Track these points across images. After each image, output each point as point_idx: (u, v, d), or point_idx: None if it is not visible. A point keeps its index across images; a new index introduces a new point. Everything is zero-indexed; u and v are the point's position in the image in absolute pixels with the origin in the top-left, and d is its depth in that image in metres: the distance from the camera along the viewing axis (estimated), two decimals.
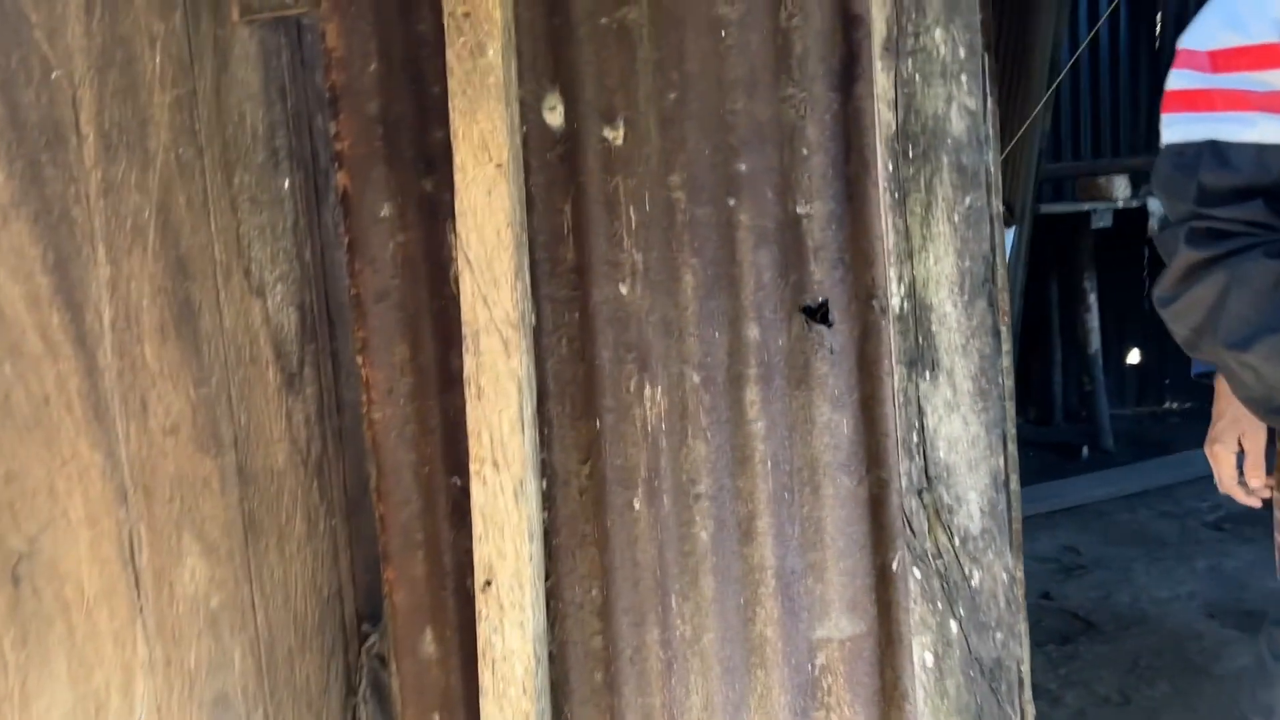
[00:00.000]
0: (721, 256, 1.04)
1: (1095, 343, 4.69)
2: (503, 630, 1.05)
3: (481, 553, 1.05)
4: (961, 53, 0.97)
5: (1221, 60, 0.78)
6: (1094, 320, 4.68)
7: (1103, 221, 4.61)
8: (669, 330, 1.06)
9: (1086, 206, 4.59)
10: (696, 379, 1.05)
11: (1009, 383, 1.03)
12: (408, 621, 1.14)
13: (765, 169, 1.02)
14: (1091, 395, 4.85)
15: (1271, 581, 3.12)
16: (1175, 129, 0.82)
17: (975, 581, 1.03)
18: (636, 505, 1.08)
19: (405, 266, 1.10)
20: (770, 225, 1.03)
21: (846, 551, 1.05)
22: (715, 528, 1.07)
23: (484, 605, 1.05)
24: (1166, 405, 5.51)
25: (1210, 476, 4.27)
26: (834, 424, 1.04)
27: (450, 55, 1.02)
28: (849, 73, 1.00)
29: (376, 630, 1.22)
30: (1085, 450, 4.62)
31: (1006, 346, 1.01)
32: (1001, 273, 1.03)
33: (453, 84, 1.02)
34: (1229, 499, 4.19)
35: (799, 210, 1.02)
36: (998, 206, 1.01)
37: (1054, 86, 3.59)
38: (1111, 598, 2.98)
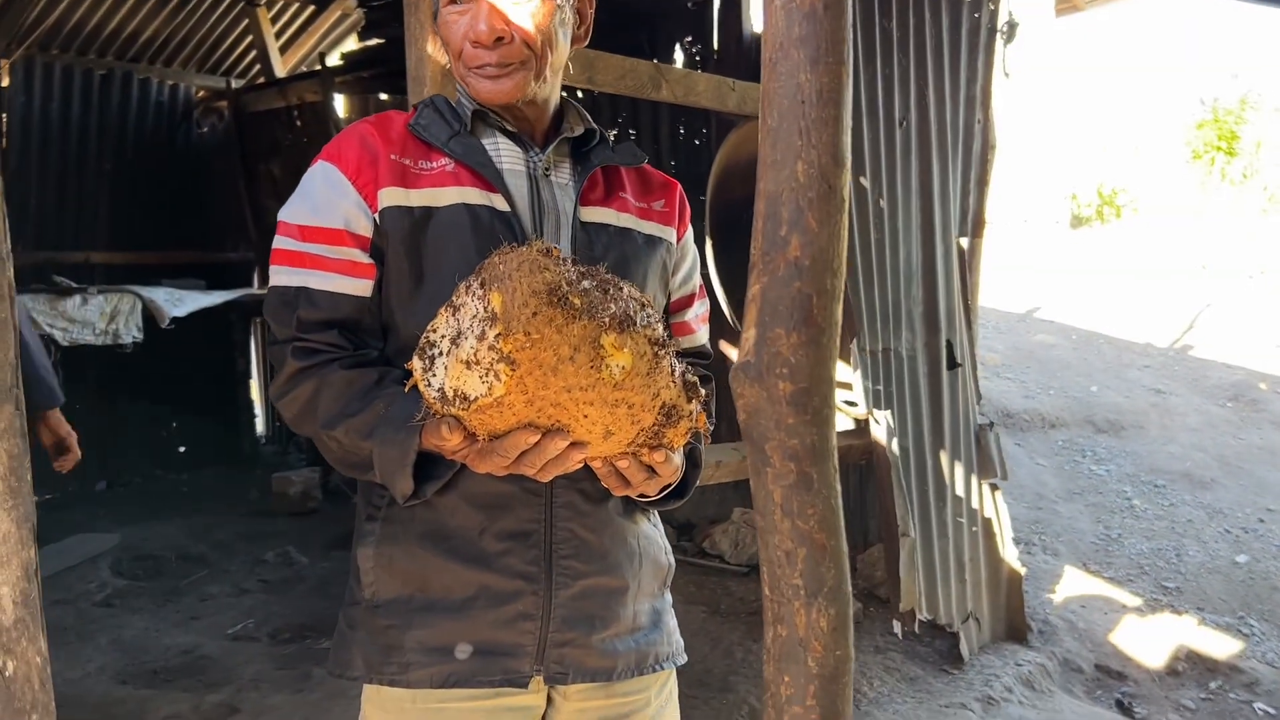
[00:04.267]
0: None
1: None
2: None
3: None
4: None
5: (307, 234, 1.09)
6: None
7: None
8: None
9: None
10: None
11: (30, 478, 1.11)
12: None
13: None
14: None
15: (167, 639, 3.49)
16: (280, 276, 1.10)
17: (10, 671, 1.07)
18: None
19: None
20: None
21: None
22: None
23: None
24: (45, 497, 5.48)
25: (90, 560, 4.48)
26: None
27: None
28: None
29: None
30: None
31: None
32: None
33: None
34: (124, 576, 4.47)
35: None
36: (11, 314, 1.09)
37: None
38: None
